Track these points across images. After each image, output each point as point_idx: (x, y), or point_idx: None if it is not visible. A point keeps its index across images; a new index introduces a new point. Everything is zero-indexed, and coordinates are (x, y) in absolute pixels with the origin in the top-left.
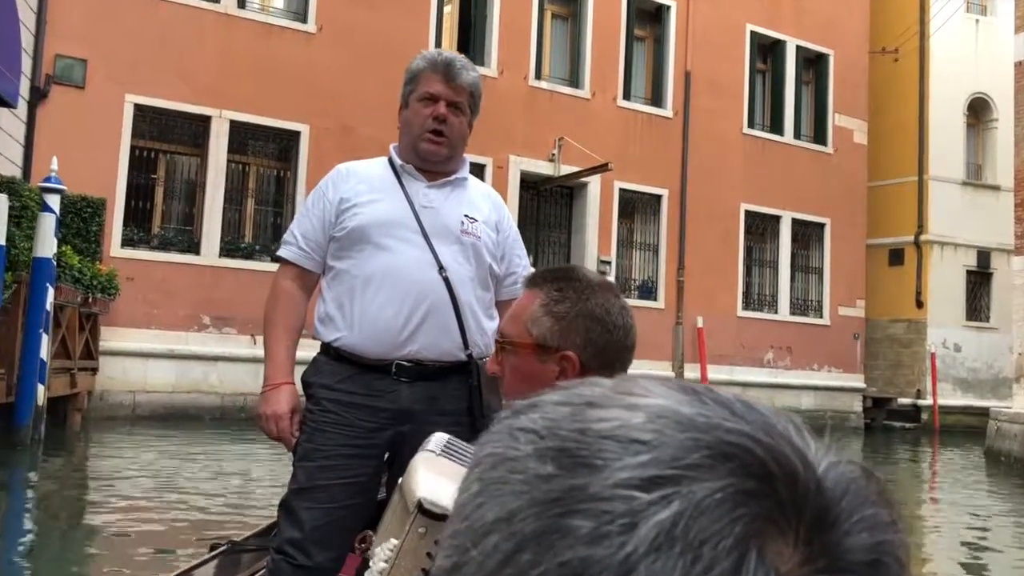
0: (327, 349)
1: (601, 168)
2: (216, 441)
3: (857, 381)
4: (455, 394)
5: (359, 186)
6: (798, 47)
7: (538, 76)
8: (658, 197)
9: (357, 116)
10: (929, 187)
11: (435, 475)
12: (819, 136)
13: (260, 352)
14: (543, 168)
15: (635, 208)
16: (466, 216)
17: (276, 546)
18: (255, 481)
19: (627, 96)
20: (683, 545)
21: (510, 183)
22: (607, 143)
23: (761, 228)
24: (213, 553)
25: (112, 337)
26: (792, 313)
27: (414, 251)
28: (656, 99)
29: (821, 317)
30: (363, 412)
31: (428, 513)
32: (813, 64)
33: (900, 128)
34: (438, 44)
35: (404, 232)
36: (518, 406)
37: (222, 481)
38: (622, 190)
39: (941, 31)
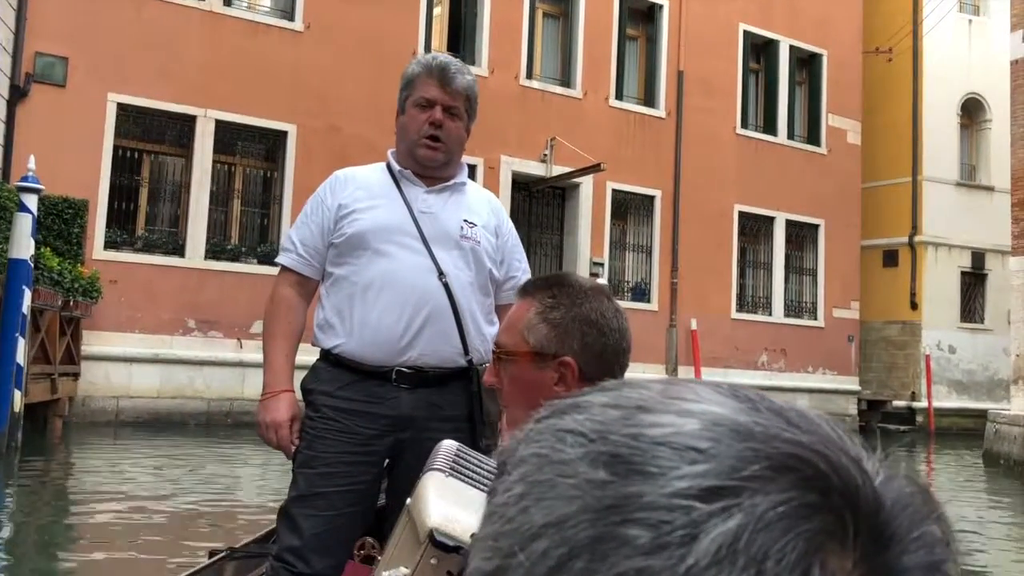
0: (327, 355)
1: (594, 168)
2: (202, 447)
3: (852, 384)
4: (455, 400)
5: (357, 192)
6: (791, 47)
7: (529, 75)
8: (651, 198)
9: (345, 116)
10: (923, 188)
11: (446, 502)
12: (813, 137)
13: (246, 356)
14: (535, 169)
15: (628, 209)
16: (465, 221)
17: (275, 553)
18: (242, 489)
19: (619, 96)
20: (746, 559)
21: (501, 184)
22: (599, 143)
23: (755, 229)
24: (212, 560)
25: (95, 341)
26: (786, 315)
27: (413, 257)
28: (649, 99)
29: (815, 319)
30: (363, 419)
31: (440, 545)
32: (806, 64)
33: (894, 129)
34: (428, 43)
35: (403, 238)
36: (559, 405)
37: (208, 488)
38: (615, 191)
39: (934, 31)
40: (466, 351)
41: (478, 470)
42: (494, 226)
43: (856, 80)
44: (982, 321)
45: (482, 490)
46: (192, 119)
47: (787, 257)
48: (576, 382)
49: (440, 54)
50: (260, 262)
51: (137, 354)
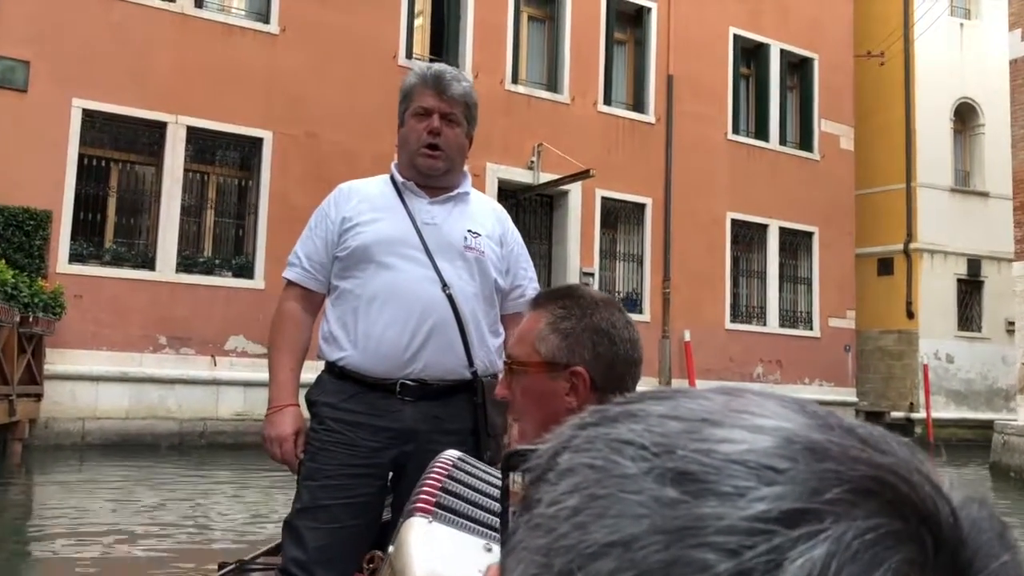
0: (331, 368)
1: (583, 175)
2: (174, 470)
3: (849, 395)
4: (459, 413)
5: (361, 205)
6: (782, 51)
7: (515, 80)
8: (642, 206)
9: (323, 122)
10: (917, 194)
11: (431, 556)
12: (805, 142)
13: (220, 374)
14: (521, 176)
15: (618, 217)
16: (469, 231)
17: (280, 566)
18: (219, 515)
19: (608, 101)
20: None
21: (487, 192)
22: (588, 150)
23: (748, 237)
24: (221, 572)
25: (59, 360)
26: (781, 325)
27: (417, 269)
28: (638, 104)
29: (811, 329)
30: (366, 431)
31: None
32: (797, 68)
33: (887, 134)
34: (409, 46)
35: (407, 250)
36: (608, 412)
37: (182, 516)
38: (604, 199)
39: (925, 35)
40: (470, 363)
41: (478, 483)
42: (499, 235)
43: (848, 85)
44: (979, 329)
45: (475, 523)
46: (162, 126)
47: (781, 266)
48: (587, 392)
49: (436, 63)
50: (235, 275)
51: (104, 372)
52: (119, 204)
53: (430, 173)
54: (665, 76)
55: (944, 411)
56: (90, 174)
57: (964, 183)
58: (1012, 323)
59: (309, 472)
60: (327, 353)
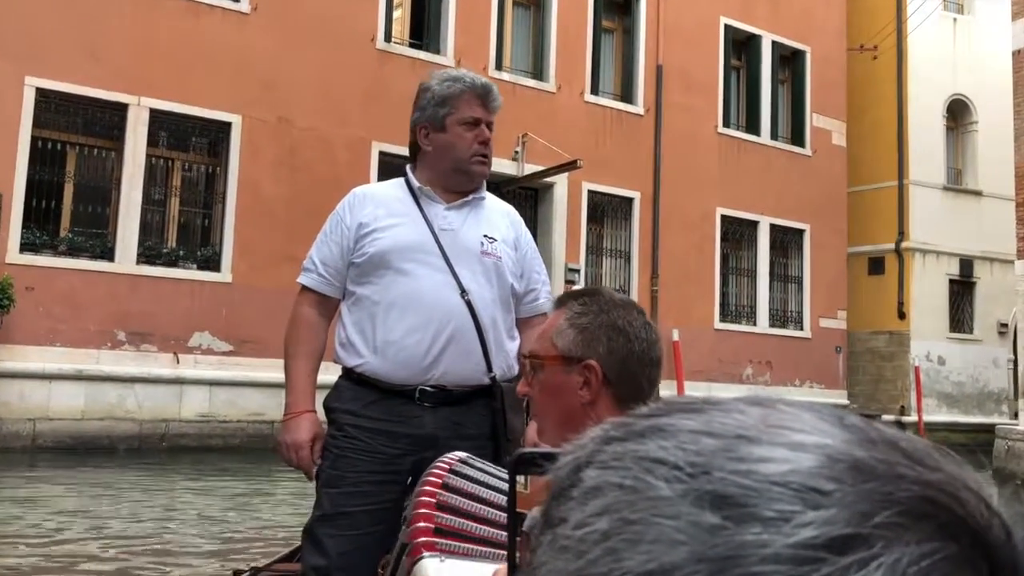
0: (349, 374)
1: (570, 166)
2: (133, 475)
3: (840, 397)
4: (478, 419)
5: (377, 210)
6: (774, 42)
7: (499, 67)
8: (629, 200)
9: (296, 107)
10: (910, 192)
11: None
12: (797, 137)
13: (184, 372)
14: (506, 167)
15: (605, 212)
16: (485, 236)
17: (301, 573)
18: (181, 524)
19: (595, 91)
20: None
21: None
22: (574, 141)
23: (738, 234)
24: None
25: (7, 356)
26: (771, 325)
27: (435, 275)
28: (626, 95)
29: (801, 329)
30: (386, 438)
31: None
32: (789, 61)
33: (879, 130)
34: (388, 29)
35: (425, 256)
36: (635, 426)
37: (141, 525)
38: (591, 192)
39: (919, 30)
40: (489, 368)
41: (478, 488)
42: (513, 239)
43: (840, 79)
44: (971, 331)
45: (479, 541)
46: (124, 108)
47: (771, 264)
48: (600, 386)
49: (473, 73)
50: (200, 268)
51: (58, 370)
52: (76, 191)
53: (481, 179)
54: (654, 66)
55: (936, 414)
56: (44, 158)
57: (956, 181)
58: (1004, 325)
59: (329, 479)
60: (345, 359)
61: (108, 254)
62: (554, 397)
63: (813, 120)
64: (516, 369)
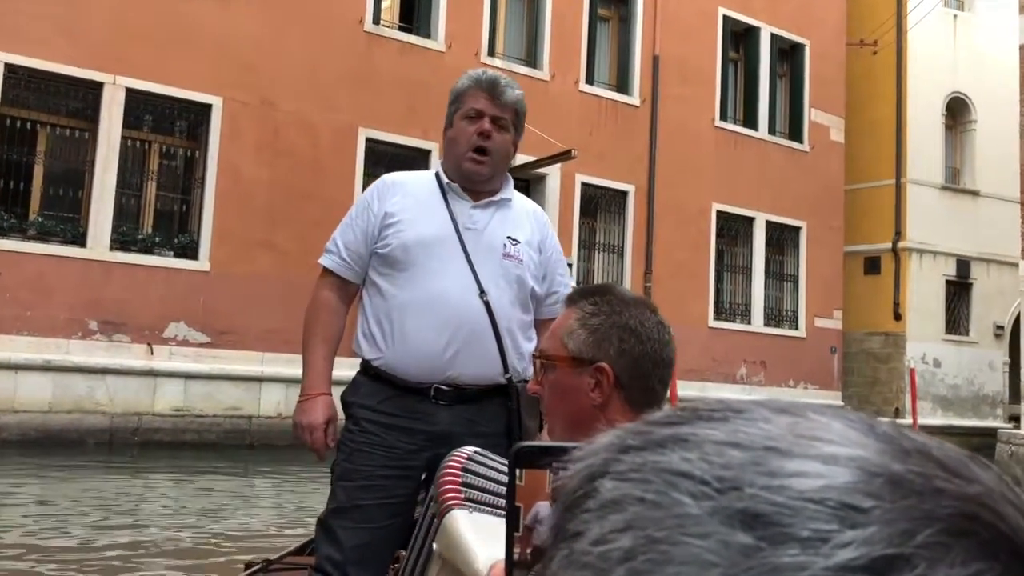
0: (367, 369)
1: (564, 156)
2: (103, 471)
3: (835, 399)
4: (493, 417)
5: (405, 200)
6: (773, 35)
7: (491, 53)
8: (623, 193)
9: (280, 89)
10: (907, 191)
11: (488, 540)
12: (795, 132)
13: (158, 364)
14: None
15: (598, 205)
16: (509, 238)
17: (315, 564)
18: (154, 522)
19: (590, 80)
20: None
21: None
22: (568, 131)
23: (733, 231)
24: (248, 572)
25: None
26: (766, 324)
27: (456, 274)
28: (622, 85)
29: (796, 329)
30: (402, 434)
31: None
32: (788, 55)
33: (877, 128)
34: (377, 11)
35: (447, 254)
36: (653, 435)
37: (110, 521)
38: (584, 184)
39: (919, 26)
40: (505, 369)
41: (495, 474)
42: (538, 241)
43: (839, 74)
44: (967, 333)
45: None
46: (98, 86)
47: (767, 261)
48: (611, 389)
49: (489, 70)
50: (177, 255)
51: (25, 360)
52: (47, 172)
53: (475, 179)
54: (651, 57)
55: (931, 418)
56: (13, 137)
57: (954, 181)
58: (1001, 327)
59: (344, 472)
60: (364, 351)
61: (80, 239)
62: (564, 398)
63: (811, 115)
64: (531, 370)
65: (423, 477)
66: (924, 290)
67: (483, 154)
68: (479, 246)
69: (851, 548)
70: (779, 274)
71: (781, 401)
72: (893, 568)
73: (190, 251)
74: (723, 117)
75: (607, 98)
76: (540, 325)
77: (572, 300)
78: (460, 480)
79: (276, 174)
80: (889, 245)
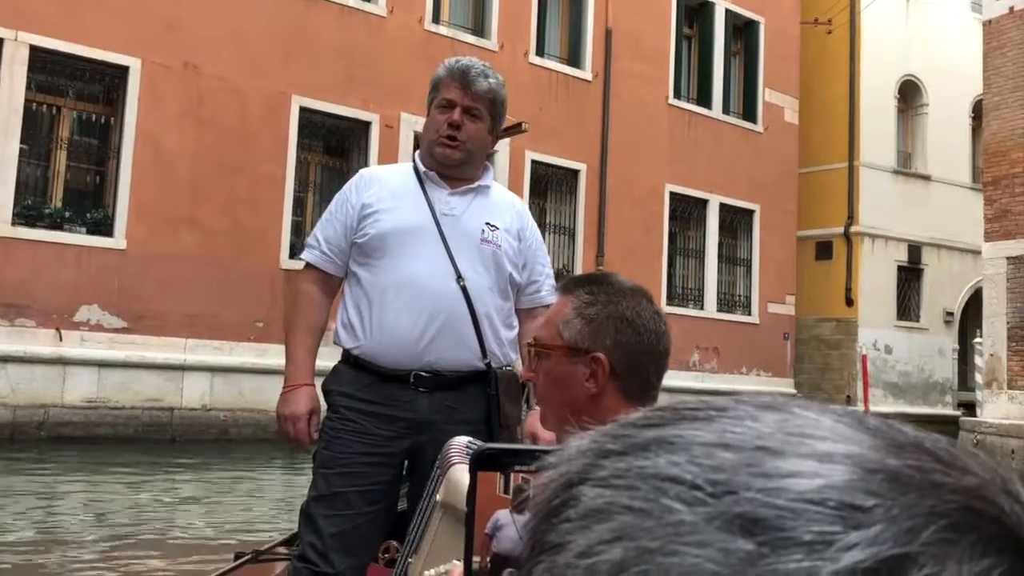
0: (347, 357)
1: (514, 129)
2: (5, 467)
3: (787, 386)
4: (473, 403)
5: (381, 191)
6: (727, 11)
7: (436, 19)
8: (575, 172)
9: (204, 52)
10: (860, 175)
11: None
12: (748, 112)
13: (67, 351)
14: None
15: (549, 184)
16: (487, 224)
17: (298, 553)
18: (64, 520)
19: (540, 52)
20: None
21: (401, 147)
22: (518, 105)
23: (687, 213)
24: (237, 562)
25: None
26: (719, 309)
27: (433, 260)
28: (573, 58)
29: (749, 314)
30: (381, 421)
31: None
32: (742, 33)
33: (830, 110)
34: None
35: (424, 240)
36: (636, 438)
37: (17, 523)
38: (534, 162)
39: (872, 7)
40: (484, 355)
41: None
42: (517, 229)
43: (794, 53)
44: (918, 319)
45: None
46: None
47: (720, 245)
48: (607, 379)
49: (465, 57)
50: (90, 231)
51: None
52: None
53: (447, 162)
54: (603, 30)
55: (882, 405)
56: None
57: (906, 165)
58: (950, 313)
59: (324, 460)
60: (344, 340)
61: None
62: (559, 387)
63: (766, 95)
64: (513, 357)
65: (404, 465)
66: (876, 276)
67: (453, 140)
68: (456, 231)
69: (857, 550)
70: (732, 258)
71: (763, 397)
72: (903, 568)
73: (104, 228)
74: (676, 95)
75: (558, 71)
76: (522, 314)
77: (568, 288)
78: (465, 452)
79: (200, 145)
80: (841, 230)
